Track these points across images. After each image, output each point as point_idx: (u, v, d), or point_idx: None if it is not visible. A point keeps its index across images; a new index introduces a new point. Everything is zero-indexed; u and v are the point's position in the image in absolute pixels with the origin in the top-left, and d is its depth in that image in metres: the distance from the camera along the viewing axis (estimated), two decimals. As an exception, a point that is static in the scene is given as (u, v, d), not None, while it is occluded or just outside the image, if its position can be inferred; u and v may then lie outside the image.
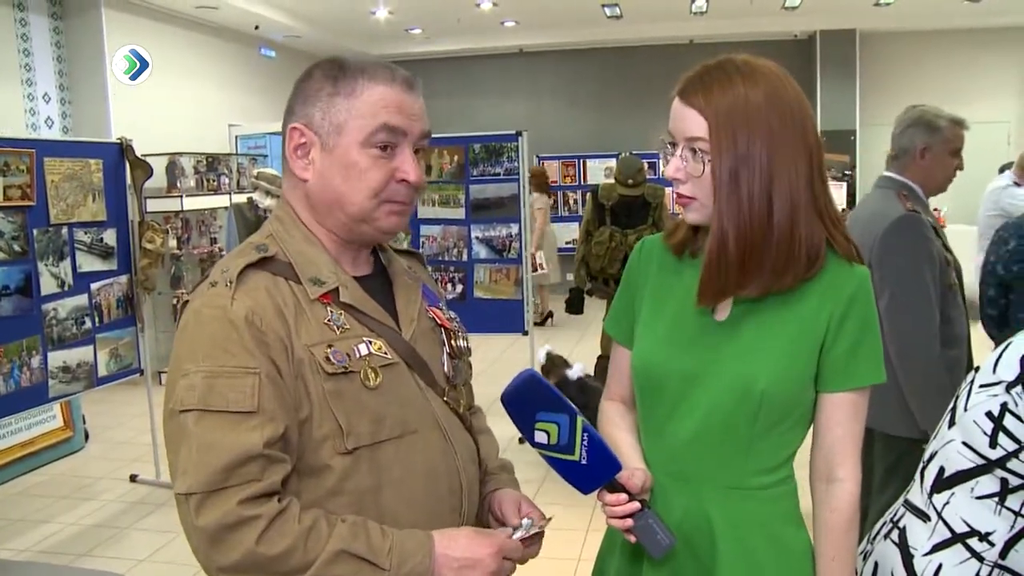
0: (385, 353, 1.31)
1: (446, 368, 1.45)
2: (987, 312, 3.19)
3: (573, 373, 4.96)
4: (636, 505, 1.33)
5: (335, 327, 1.28)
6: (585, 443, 1.30)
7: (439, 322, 1.48)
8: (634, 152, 7.96)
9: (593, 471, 1.32)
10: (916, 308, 2.62)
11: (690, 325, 1.45)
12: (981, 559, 1.38)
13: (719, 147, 1.34)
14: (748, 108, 1.34)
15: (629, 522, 1.34)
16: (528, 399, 1.24)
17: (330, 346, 1.26)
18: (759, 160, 1.34)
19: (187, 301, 1.30)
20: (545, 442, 1.31)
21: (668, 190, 5.89)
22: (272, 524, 1.14)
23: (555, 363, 5.10)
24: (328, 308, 1.29)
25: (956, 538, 1.41)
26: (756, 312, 1.40)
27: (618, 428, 1.56)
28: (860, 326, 1.39)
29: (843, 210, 9.91)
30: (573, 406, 1.30)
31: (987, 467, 1.39)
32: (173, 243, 7.03)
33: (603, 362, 5.15)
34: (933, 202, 2.96)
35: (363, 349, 1.29)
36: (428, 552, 1.22)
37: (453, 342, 1.48)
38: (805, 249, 1.36)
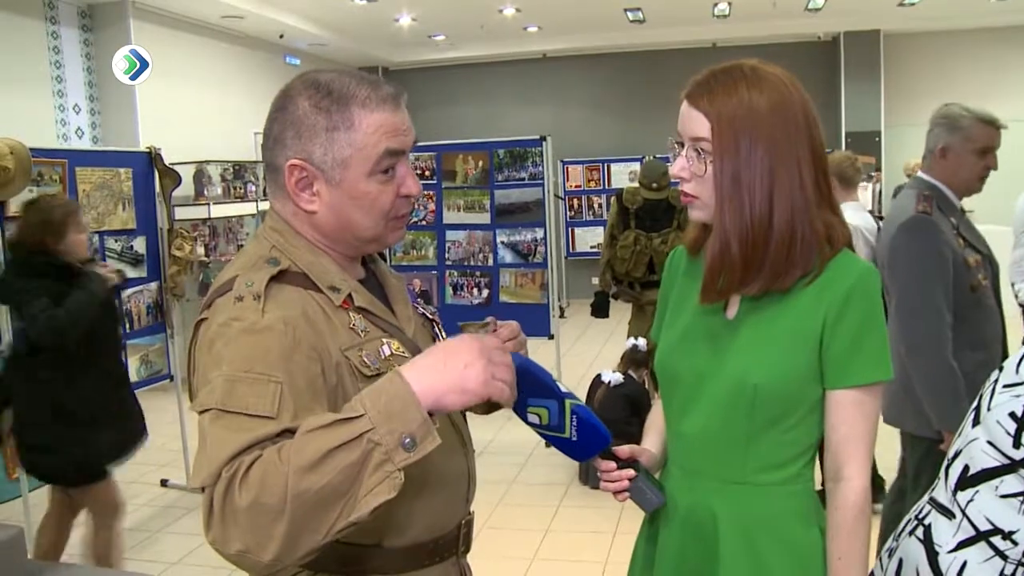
0: (403, 352, 1.35)
1: None
2: None
3: (607, 377, 4.95)
4: (631, 471, 1.47)
5: (359, 331, 1.32)
6: (574, 423, 1.36)
7: (429, 316, 1.53)
8: (658, 156, 7.86)
9: (584, 446, 1.40)
10: (922, 310, 2.59)
11: (703, 324, 1.51)
12: (1005, 557, 1.39)
13: (721, 149, 1.39)
14: (751, 113, 1.38)
15: (624, 483, 1.47)
16: (519, 387, 1.28)
17: (361, 349, 1.29)
18: (760, 164, 1.38)
19: (204, 318, 1.26)
20: (538, 423, 1.36)
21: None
22: (250, 468, 1.04)
23: (636, 358, 5.12)
24: (349, 313, 1.33)
25: (980, 536, 1.41)
26: (758, 310, 1.44)
27: (651, 426, 1.69)
28: (859, 322, 1.38)
29: (869, 211, 9.85)
30: (563, 392, 1.34)
31: (1011, 467, 1.39)
32: (201, 250, 7.11)
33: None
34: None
35: (386, 350, 1.33)
36: (397, 375, 1.10)
37: (442, 335, 1.52)
38: (804, 251, 1.39)
